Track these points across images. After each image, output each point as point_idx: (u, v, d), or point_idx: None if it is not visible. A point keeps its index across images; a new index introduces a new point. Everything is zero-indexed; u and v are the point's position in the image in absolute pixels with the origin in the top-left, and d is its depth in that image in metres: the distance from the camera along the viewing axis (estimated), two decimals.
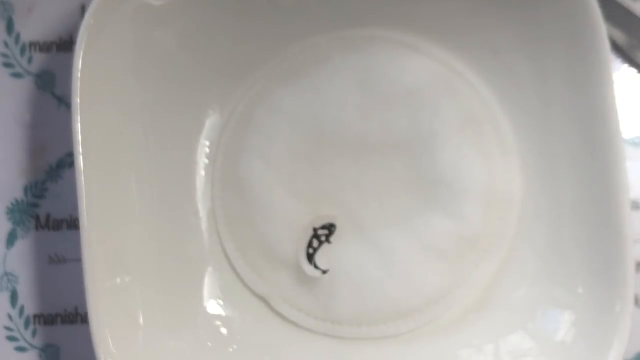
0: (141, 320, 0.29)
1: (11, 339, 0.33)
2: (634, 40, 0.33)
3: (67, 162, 0.33)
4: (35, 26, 0.33)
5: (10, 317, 0.33)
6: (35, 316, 0.33)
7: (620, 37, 0.33)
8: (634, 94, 0.33)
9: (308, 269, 0.30)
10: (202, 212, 0.32)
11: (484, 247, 0.31)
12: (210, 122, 0.32)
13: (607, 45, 0.27)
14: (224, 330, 0.31)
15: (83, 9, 0.33)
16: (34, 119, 0.33)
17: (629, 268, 0.26)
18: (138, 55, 0.29)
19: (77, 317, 0.33)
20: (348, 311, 0.31)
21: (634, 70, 0.34)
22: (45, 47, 0.33)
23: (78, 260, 0.27)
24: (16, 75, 0.33)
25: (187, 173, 0.32)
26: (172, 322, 0.30)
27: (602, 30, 0.26)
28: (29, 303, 0.33)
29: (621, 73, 0.33)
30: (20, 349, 0.33)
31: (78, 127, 0.27)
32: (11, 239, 0.33)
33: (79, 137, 0.27)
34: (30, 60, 0.33)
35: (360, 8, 0.31)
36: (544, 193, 0.30)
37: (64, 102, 0.33)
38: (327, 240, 0.31)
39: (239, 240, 0.32)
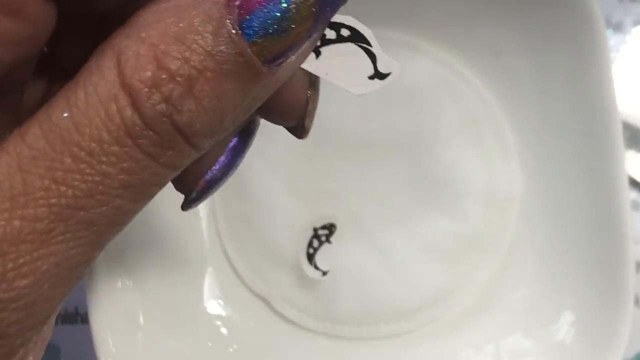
0: (141, 320, 0.29)
1: None
2: None
3: None
4: None
5: None
6: None
7: None
8: None
9: (309, 270, 0.30)
10: (202, 212, 0.32)
11: (484, 247, 0.31)
12: None
13: (607, 45, 0.27)
14: (224, 330, 0.31)
15: None
16: None
17: (629, 268, 0.26)
18: None
19: (77, 317, 0.33)
20: (348, 311, 0.31)
21: None
22: None
23: None
24: None
25: None
26: (172, 322, 0.30)
27: (602, 30, 0.27)
28: None
29: None
30: None
31: None
32: None
33: None
34: None
35: (361, 8, 0.31)
36: (544, 193, 0.30)
37: None
38: (327, 240, 0.31)
39: (239, 240, 0.32)
